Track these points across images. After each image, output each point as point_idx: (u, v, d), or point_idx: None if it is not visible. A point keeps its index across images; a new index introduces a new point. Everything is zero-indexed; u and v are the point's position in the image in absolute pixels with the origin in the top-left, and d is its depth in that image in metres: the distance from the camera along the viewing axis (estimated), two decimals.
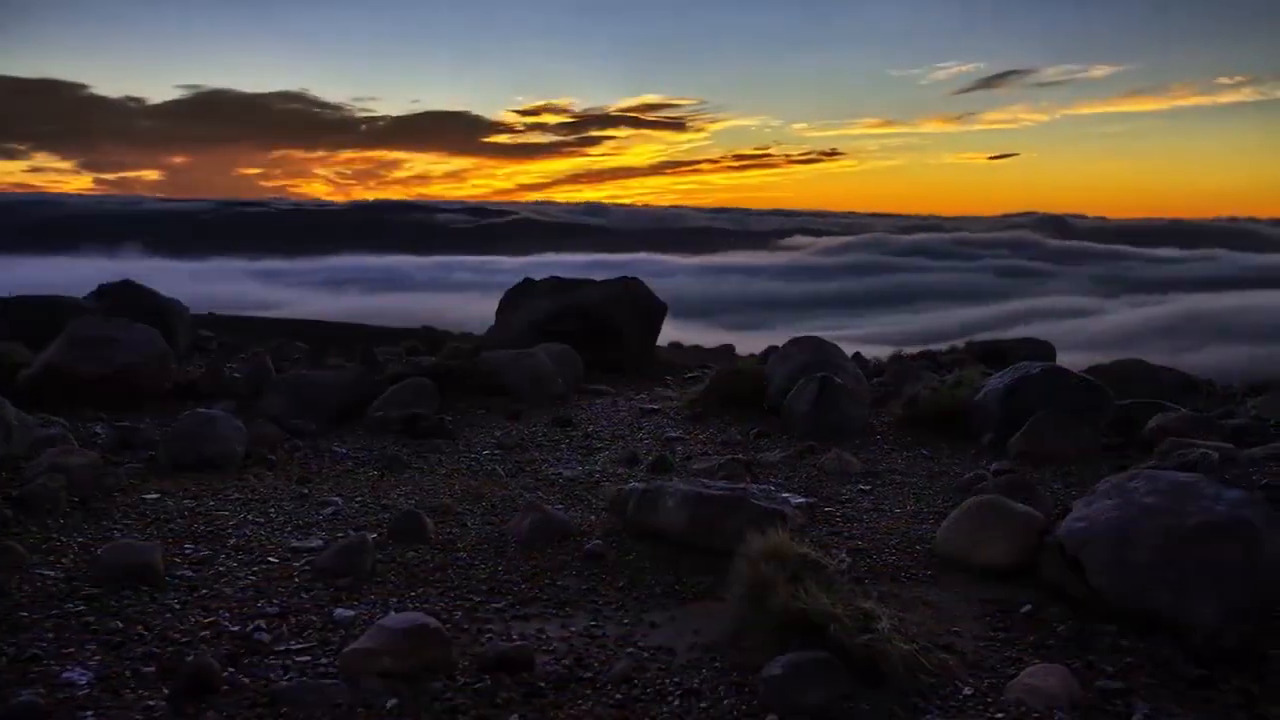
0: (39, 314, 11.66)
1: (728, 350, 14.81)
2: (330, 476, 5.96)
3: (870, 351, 13.46)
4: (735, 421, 7.97)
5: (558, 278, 12.43)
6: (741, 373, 8.51)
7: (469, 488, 5.72)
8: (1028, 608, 3.95)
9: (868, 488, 5.89)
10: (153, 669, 3.14)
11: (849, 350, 10.22)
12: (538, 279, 12.52)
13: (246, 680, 3.09)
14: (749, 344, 15.43)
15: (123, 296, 14.05)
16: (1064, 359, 11.63)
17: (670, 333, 13.54)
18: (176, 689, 2.95)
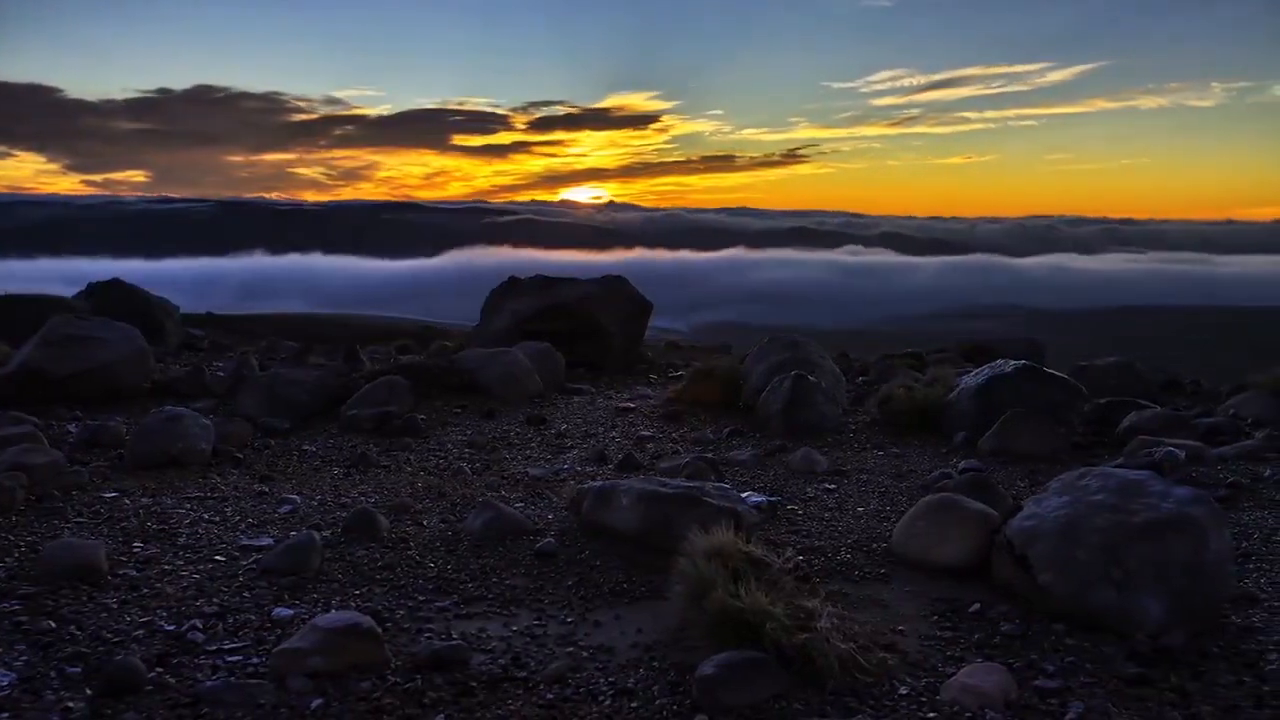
0: (28, 312, 11.70)
1: (724, 350, 14.75)
2: (295, 475, 5.94)
3: None
4: (710, 420, 7.94)
5: (543, 276, 12.38)
6: (717, 372, 8.48)
7: (432, 486, 5.70)
8: (976, 607, 3.92)
9: (833, 486, 5.86)
10: (79, 669, 3.12)
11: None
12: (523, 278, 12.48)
13: (172, 680, 3.07)
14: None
15: (112, 295, 14.09)
16: (1053, 359, 11.62)
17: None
18: (98, 690, 2.93)
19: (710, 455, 6.53)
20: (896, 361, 11.92)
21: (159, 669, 3.14)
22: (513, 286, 12.33)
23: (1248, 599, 3.94)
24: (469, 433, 7.30)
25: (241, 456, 6.25)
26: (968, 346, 12.95)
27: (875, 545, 4.71)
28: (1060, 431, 6.69)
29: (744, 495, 5.20)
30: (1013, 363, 7.39)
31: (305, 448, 6.71)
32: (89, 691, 2.96)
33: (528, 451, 6.81)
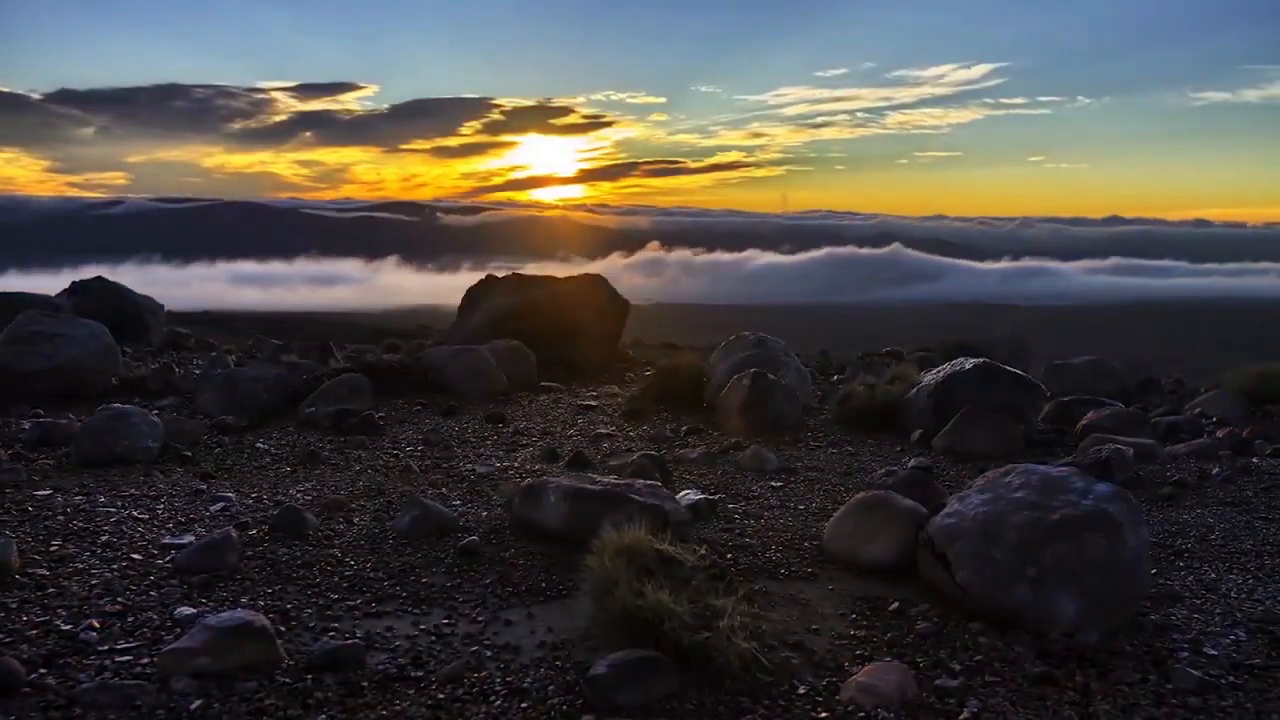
0: (5, 311, 11.68)
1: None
2: (239, 472, 5.90)
3: None
4: (672, 418, 7.89)
5: (520, 274, 12.33)
6: (679, 369, 8.42)
7: (374, 484, 5.65)
8: (895, 605, 3.87)
9: (779, 484, 5.80)
10: None
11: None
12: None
13: (53, 682, 3.02)
14: None
15: (94, 293, 14.07)
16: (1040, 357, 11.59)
17: None
18: None
19: (660, 453, 6.47)
20: (876, 360, 11.86)
21: (43, 670, 3.09)
22: (489, 284, 12.28)
23: (1170, 597, 3.89)
24: (426, 430, 7.26)
25: (190, 454, 6.20)
26: (952, 344, 12.88)
27: (808, 543, 4.65)
28: (1017, 429, 6.62)
29: (683, 493, 5.15)
30: (971, 361, 7.32)
31: (258, 445, 6.67)
32: None
33: (481, 450, 6.76)
